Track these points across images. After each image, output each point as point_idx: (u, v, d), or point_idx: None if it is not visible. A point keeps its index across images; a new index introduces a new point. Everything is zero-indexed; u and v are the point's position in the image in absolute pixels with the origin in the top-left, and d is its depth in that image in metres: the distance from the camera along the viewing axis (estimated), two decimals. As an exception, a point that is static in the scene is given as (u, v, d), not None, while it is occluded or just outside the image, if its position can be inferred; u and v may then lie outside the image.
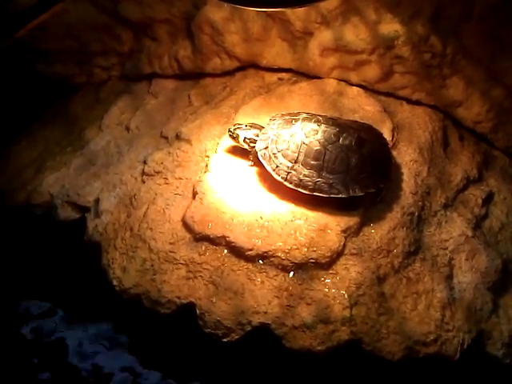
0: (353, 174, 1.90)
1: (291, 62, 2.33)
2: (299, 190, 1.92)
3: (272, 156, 1.95)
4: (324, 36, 2.22)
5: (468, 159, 2.19)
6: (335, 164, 1.91)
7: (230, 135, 2.05)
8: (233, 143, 2.09)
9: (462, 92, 2.21)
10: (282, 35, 2.29)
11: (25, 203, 2.28)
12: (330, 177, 1.90)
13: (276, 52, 2.32)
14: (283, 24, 2.27)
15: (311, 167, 1.91)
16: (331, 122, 1.97)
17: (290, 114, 2.03)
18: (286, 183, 1.93)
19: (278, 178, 1.93)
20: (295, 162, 1.92)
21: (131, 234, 2.01)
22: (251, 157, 2.05)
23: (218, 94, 2.38)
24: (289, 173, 1.92)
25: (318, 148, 1.91)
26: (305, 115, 2.00)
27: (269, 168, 1.95)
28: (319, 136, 1.92)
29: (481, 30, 2.12)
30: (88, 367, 2.07)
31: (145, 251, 1.96)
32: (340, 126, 1.95)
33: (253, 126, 2.05)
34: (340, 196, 1.90)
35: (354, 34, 2.19)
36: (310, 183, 1.90)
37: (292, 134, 1.95)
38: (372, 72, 2.24)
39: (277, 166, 1.94)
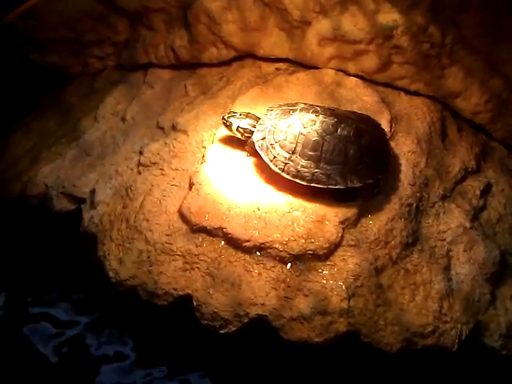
0: (351, 165, 1.89)
1: (289, 51, 2.31)
2: (297, 180, 1.90)
3: (269, 147, 1.93)
4: (322, 25, 2.20)
5: (466, 150, 2.18)
6: (333, 155, 1.89)
7: (224, 123, 2.04)
8: (228, 133, 2.07)
9: (461, 82, 2.20)
10: (280, 24, 2.27)
11: (20, 194, 2.27)
12: (328, 168, 1.89)
13: (273, 42, 2.30)
14: (281, 13, 2.24)
15: (309, 158, 1.90)
16: (329, 112, 1.95)
17: (287, 105, 2.02)
18: (283, 174, 1.91)
19: (276, 169, 1.92)
20: (293, 152, 1.91)
21: (127, 225, 2.00)
22: (247, 147, 2.03)
23: (214, 84, 2.36)
24: (286, 164, 1.91)
25: (315, 139, 1.90)
26: (302, 105, 1.98)
27: (266, 159, 1.93)
28: (317, 126, 1.91)
29: (480, 20, 2.11)
30: (82, 358, 2.07)
31: (141, 243, 1.95)
32: (338, 116, 1.94)
33: (247, 115, 2.03)
34: (338, 187, 1.88)
35: (352, 24, 2.17)
36: (307, 174, 1.89)
37: (290, 124, 1.93)
38: (370, 62, 2.22)
39: (274, 157, 1.92)
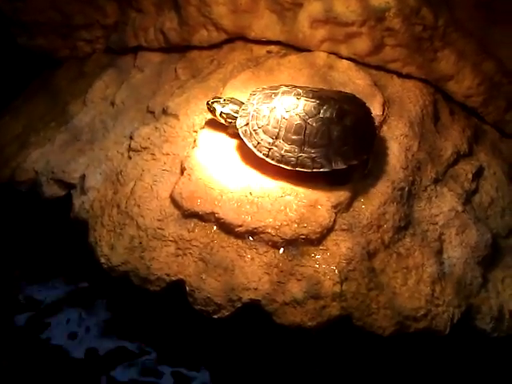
0: (335, 147, 1.87)
1: (280, 34, 2.28)
2: (281, 165, 1.89)
3: (253, 132, 1.91)
4: (314, 7, 2.18)
5: (458, 133, 2.18)
6: (317, 138, 1.87)
7: (208, 108, 2.02)
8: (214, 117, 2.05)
9: (453, 65, 2.19)
10: (271, 6, 2.25)
11: (9, 180, 2.24)
12: (312, 151, 1.87)
13: (265, 24, 2.27)
14: (272, -5, 2.22)
15: (292, 142, 1.88)
16: (311, 94, 1.92)
17: (270, 88, 1.99)
18: (268, 159, 1.90)
19: (260, 155, 1.90)
20: (276, 137, 1.89)
21: (118, 210, 1.98)
22: (229, 130, 2.02)
23: (205, 67, 2.33)
24: (270, 149, 1.89)
25: (298, 122, 1.88)
26: (284, 88, 1.95)
27: (250, 145, 1.92)
28: (299, 110, 1.89)
29: (473, 2, 2.10)
30: (78, 347, 2.06)
31: (133, 228, 1.93)
32: (321, 98, 1.91)
33: (231, 100, 2.01)
34: (322, 170, 1.87)
35: (345, 6, 2.15)
36: (292, 158, 1.88)
37: (272, 109, 1.91)
38: (362, 45, 2.20)
39: (258, 143, 1.91)
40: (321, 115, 1.88)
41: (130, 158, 2.11)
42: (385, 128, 2.07)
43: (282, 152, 1.88)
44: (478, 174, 2.13)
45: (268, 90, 1.97)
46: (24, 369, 2.02)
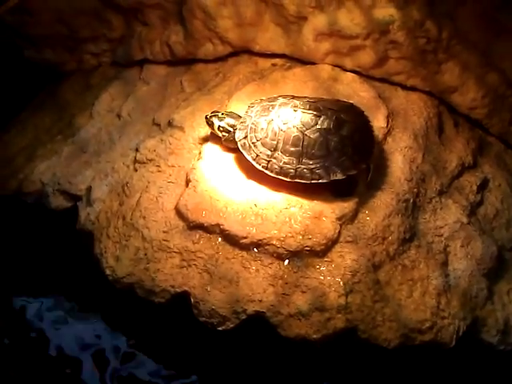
0: (333, 158, 1.88)
1: (285, 47, 2.30)
2: (280, 177, 1.89)
3: (252, 145, 1.93)
4: (318, 21, 2.19)
5: (463, 146, 2.18)
6: (314, 149, 1.88)
7: (207, 122, 2.04)
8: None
9: (458, 77, 2.20)
10: (276, 20, 2.26)
11: (16, 191, 2.26)
12: (311, 162, 1.88)
13: (269, 37, 2.29)
14: (276, 8, 2.23)
15: (291, 154, 1.89)
16: (308, 105, 1.92)
17: (268, 100, 2.00)
18: (267, 172, 1.91)
19: (259, 167, 1.91)
20: (274, 149, 1.90)
21: (124, 222, 1.99)
22: (224, 143, 2.03)
23: (210, 80, 2.35)
24: (269, 161, 1.90)
25: (295, 134, 1.89)
26: (282, 100, 1.96)
27: (249, 158, 1.93)
28: (297, 121, 1.90)
29: (477, 14, 2.11)
30: (82, 357, 2.07)
31: (138, 240, 1.94)
32: (318, 108, 1.92)
33: (229, 114, 2.03)
34: (321, 181, 1.87)
35: (349, 19, 2.16)
36: (291, 170, 1.88)
37: (269, 121, 1.92)
38: (367, 57, 2.22)
39: (257, 155, 1.92)
40: (318, 126, 1.89)
41: (135, 170, 2.12)
42: (389, 140, 2.08)
43: (281, 164, 1.89)
44: (483, 186, 2.13)
45: (266, 102, 1.98)
46: (30, 381, 2.02)
